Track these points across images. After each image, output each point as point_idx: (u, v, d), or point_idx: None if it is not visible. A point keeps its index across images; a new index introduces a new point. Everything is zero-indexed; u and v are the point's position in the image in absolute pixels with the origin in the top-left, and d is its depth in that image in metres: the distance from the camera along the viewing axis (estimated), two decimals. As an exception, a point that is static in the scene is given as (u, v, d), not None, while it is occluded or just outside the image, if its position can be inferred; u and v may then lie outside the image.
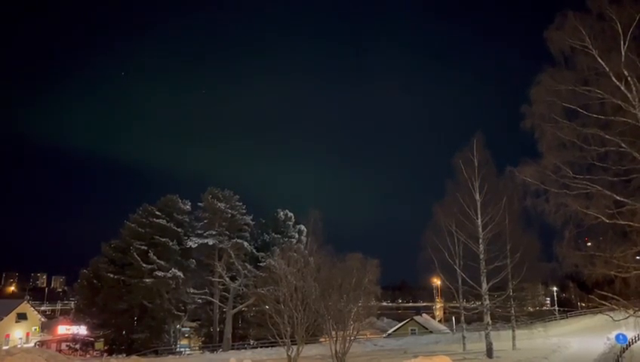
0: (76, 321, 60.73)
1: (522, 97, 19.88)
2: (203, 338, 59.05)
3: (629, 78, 16.87)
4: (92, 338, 56.15)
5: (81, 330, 59.13)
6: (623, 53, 16.93)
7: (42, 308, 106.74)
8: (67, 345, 58.79)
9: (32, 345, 62.48)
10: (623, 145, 17.10)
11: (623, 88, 16.92)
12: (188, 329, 64.27)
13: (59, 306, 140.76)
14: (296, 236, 60.60)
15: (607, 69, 17.19)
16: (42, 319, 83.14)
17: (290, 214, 63.03)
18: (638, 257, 17.95)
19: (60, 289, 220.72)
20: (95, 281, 54.49)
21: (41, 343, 61.08)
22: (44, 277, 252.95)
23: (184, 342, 62.57)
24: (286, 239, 58.29)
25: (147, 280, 50.10)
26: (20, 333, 74.86)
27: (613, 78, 17.07)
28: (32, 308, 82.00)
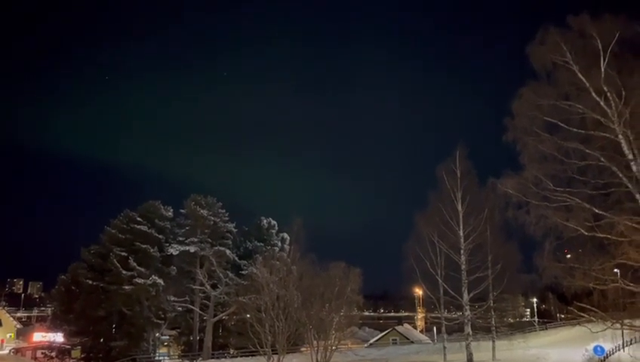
0: (53, 328, 59.59)
1: (506, 110, 20.15)
2: (182, 347, 58.36)
3: (608, 94, 17.20)
4: (69, 346, 55.05)
5: (58, 337, 57.98)
6: (602, 70, 17.27)
7: (18, 315, 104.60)
8: (43, 353, 57.56)
9: (6, 352, 61.11)
10: (603, 159, 17.40)
11: (602, 104, 17.25)
12: (167, 337, 63.49)
13: (35, 313, 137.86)
14: (279, 244, 60.40)
15: (588, 85, 17.52)
16: (18, 325, 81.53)
17: (273, 222, 62.83)
18: (615, 270, 18.22)
19: (37, 296, 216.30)
20: (73, 287, 53.60)
21: (16, 350, 59.81)
22: (21, 282, 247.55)
23: (163, 350, 61.74)
24: (269, 247, 58.04)
25: (127, 287, 49.42)
26: (-6, 340, 73.18)
27: (593, 94, 17.40)
28: (8, 315, 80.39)
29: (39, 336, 67.23)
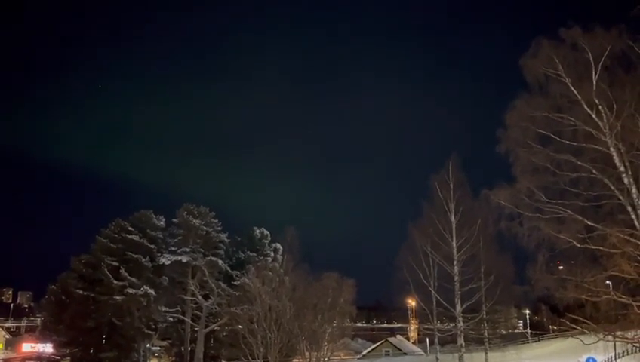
0: (42, 339, 59.00)
1: (499, 121, 20.24)
2: (173, 358, 57.93)
3: (599, 107, 17.32)
4: (58, 357, 54.50)
5: (47, 348, 57.40)
6: (594, 83, 17.42)
7: (7, 325, 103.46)
8: (31, 364, 56.95)
9: (-6, 363, 60.33)
10: (594, 171, 17.49)
11: (594, 116, 17.37)
12: (158, 348, 63.00)
13: (24, 323, 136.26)
14: (272, 254, 60.23)
15: (580, 97, 17.65)
16: (6, 336, 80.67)
17: (266, 232, 62.68)
18: (608, 282, 18.24)
19: (26, 306, 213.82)
20: (63, 297, 53.15)
21: (5, 361, 59.05)
22: (10, 292, 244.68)
23: (154, 361, 61.23)
24: (261, 257, 57.85)
25: (117, 297, 49.05)
26: (-17, 351, 72.27)
27: (585, 107, 17.52)
28: (-4, 325, 79.46)
29: (28, 347, 66.59)
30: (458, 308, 34.98)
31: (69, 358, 53.20)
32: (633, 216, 16.73)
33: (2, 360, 61.68)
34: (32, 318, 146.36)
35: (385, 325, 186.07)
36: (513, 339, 68.09)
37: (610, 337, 19.42)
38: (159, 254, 54.55)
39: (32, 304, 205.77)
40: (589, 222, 17.59)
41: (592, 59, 17.46)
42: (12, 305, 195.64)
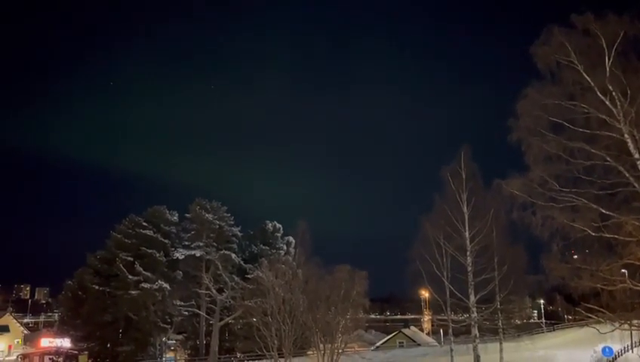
0: (60, 334, 59.70)
1: (511, 110, 20.03)
2: (189, 351, 58.44)
3: (613, 93, 17.07)
4: (76, 351, 55.20)
5: (65, 343, 58.07)
6: (607, 69, 17.16)
7: (25, 321, 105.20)
8: (50, 358, 57.64)
9: (14, 358, 61.40)
10: (608, 159, 17.27)
11: (607, 103, 17.14)
12: (174, 341, 63.61)
13: (42, 318, 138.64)
14: (285, 248, 60.39)
15: (593, 84, 17.40)
16: (25, 331, 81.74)
17: (278, 226, 62.83)
18: (623, 270, 18.07)
19: (44, 301, 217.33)
20: (80, 293, 53.81)
21: (24, 356, 59.95)
22: (28, 288, 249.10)
23: (170, 354, 61.84)
24: (274, 251, 58.06)
25: (133, 292, 49.54)
26: (2, 346, 73.47)
27: (598, 93, 17.28)
28: (15, 320, 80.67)
29: (46, 342, 67.33)
30: (472, 298, 34.87)
31: (87, 352, 53.92)
32: (649, 204, 16.54)
33: (22, 354, 62.65)
34: (49, 314, 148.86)
35: (398, 316, 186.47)
36: (528, 329, 67.81)
37: (626, 326, 19.31)
38: (173, 249, 54.95)
39: (49, 300, 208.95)
40: (603, 211, 17.40)
41: (604, 45, 17.19)
42: (30, 301, 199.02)
